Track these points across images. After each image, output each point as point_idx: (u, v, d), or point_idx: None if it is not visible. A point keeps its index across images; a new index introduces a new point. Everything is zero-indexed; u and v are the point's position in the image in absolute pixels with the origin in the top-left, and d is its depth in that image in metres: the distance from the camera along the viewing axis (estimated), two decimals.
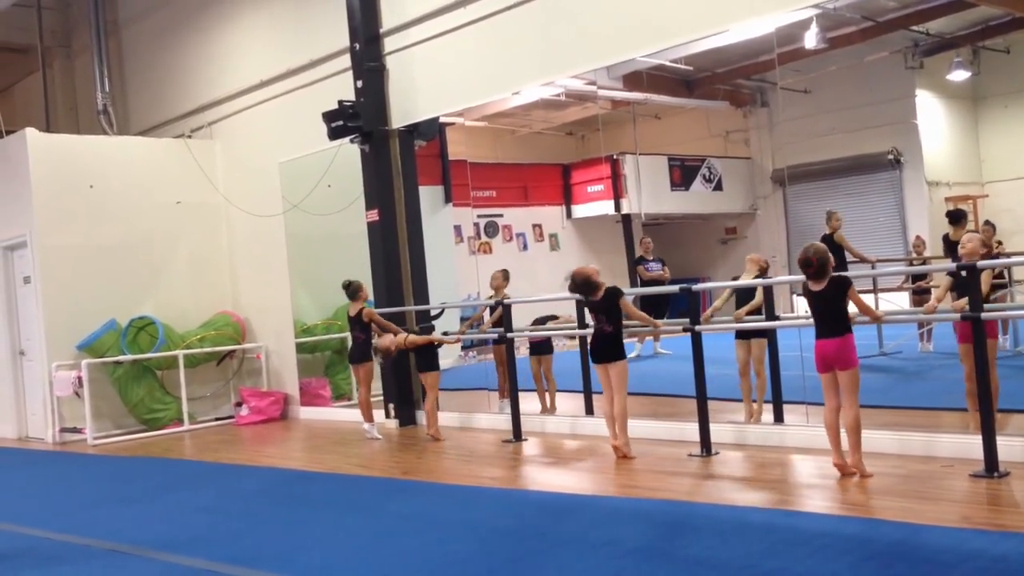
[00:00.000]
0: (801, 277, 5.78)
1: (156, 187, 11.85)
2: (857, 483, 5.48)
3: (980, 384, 5.45)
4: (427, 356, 8.82)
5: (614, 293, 6.84)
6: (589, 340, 7.16)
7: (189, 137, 12.42)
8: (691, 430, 6.91)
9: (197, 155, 12.11)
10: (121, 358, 10.99)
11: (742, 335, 7.42)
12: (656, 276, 12.42)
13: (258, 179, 11.66)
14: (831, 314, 5.57)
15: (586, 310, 7.40)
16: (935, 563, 3.98)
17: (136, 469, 8.88)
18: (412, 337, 8.81)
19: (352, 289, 9.08)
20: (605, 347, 6.84)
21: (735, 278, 7.89)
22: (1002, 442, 5.42)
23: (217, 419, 11.67)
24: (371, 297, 10.10)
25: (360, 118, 9.57)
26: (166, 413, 11.32)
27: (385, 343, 8.80)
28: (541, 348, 9.13)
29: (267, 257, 11.67)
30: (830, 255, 5.59)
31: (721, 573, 4.12)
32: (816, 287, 5.60)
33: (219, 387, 11.99)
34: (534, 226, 16.95)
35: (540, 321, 9.38)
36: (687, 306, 7.00)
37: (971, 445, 5.59)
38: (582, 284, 6.84)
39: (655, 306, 11.48)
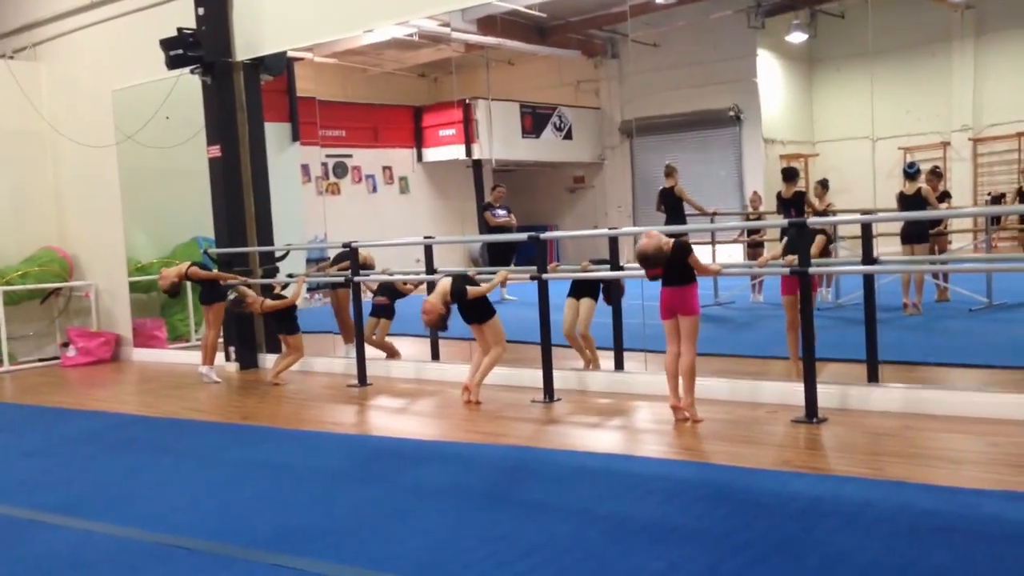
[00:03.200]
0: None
1: None
2: (689, 428, 5.74)
3: (805, 335, 5.79)
4: (287, 319, 8.57)
5: (459, 293, 6.83)
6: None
7: (10, 59, 11.50)
8: (534, 376, 7.04)
9: (19, 78, 11.23)
10: None
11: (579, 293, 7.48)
12: (503, 222, 12.52)
13: (89, 107, 10.94)
14: (677, 270, 5.81)
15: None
16: (758, 504, 4.23)
17: None
18: (268, 303, 8.50)
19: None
20: (472, 312, 6.90)
21: None
22: (821, 390, 5.78)
23: (41, 360, 11.05)
24: (211, 237, 9.77)
25: (201, 47, 9.12)
26: None
27: (250, 300, 8.53)
28: (381, 312, 8.88)
29: (98, 190, 11.01)
30: (662, 243, 5.78)
31: (560, 517, 4.24)
32: None
33: (43, 327, 11.32)
34: (384, 168, 16.71)
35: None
36: (534, 253, 7.09)
37: (794, 392, 5.94)
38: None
39: (503, 253, 11.63)
